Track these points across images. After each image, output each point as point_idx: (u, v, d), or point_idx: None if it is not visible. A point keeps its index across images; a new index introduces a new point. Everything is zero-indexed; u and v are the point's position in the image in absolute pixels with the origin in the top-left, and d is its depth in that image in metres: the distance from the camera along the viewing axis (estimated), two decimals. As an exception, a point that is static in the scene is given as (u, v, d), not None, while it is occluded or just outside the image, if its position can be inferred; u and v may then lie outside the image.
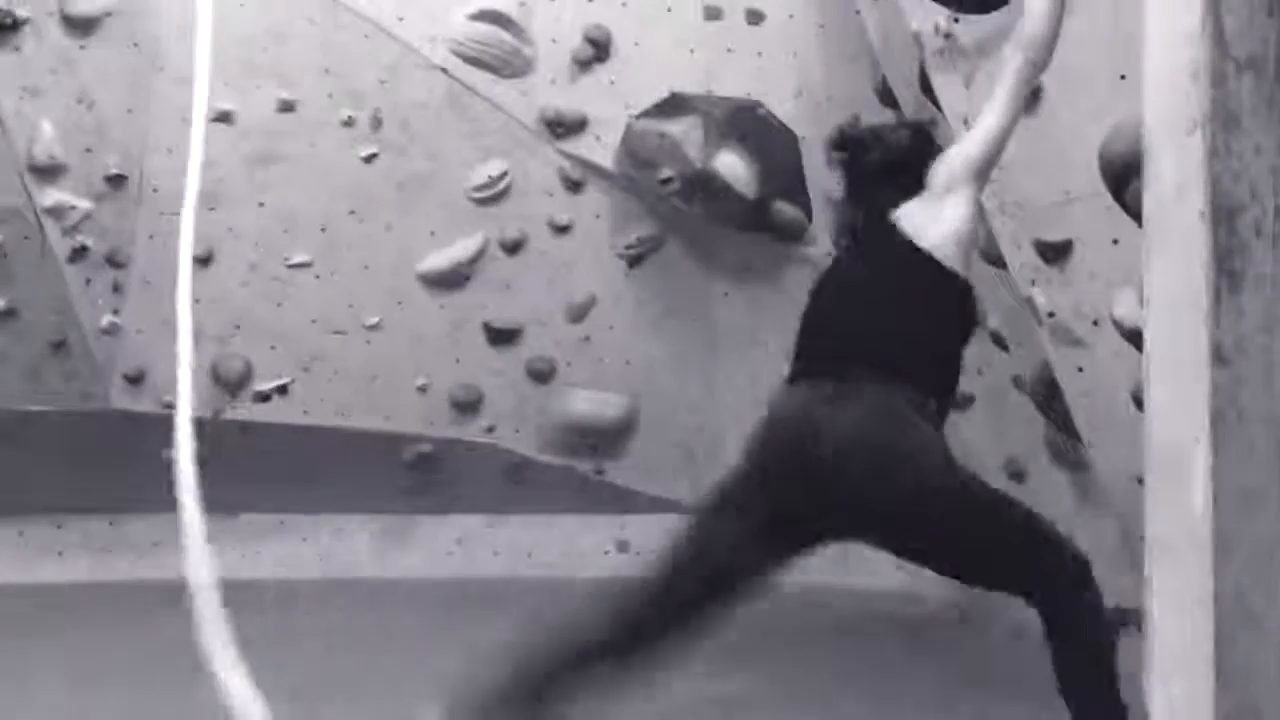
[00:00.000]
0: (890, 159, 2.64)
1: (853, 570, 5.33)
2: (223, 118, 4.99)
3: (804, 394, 2.55)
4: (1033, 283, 3.17)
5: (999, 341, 4.39)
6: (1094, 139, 3.01)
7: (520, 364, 5.46)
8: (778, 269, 5.32)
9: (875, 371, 2.48)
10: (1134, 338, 2.02)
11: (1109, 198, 2.97)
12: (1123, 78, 2.98)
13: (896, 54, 4.01)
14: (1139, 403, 2.36)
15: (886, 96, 4.56)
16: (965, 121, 3.28)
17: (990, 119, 2.51)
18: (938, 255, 2.49)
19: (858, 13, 4.52)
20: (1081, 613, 2.39)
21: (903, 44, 3.70)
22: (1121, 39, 2.92)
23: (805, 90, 5.09)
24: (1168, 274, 1.79)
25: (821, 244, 5.20)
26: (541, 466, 5.59)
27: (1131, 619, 2.31)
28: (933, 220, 2.51)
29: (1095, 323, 3.10)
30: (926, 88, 3.47)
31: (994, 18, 3.02)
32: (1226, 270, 1.71)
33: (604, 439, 5.56)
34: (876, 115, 4.94)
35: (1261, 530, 1.68)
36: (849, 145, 2.73)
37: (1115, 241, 3.05)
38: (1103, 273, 3.08)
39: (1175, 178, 1.77)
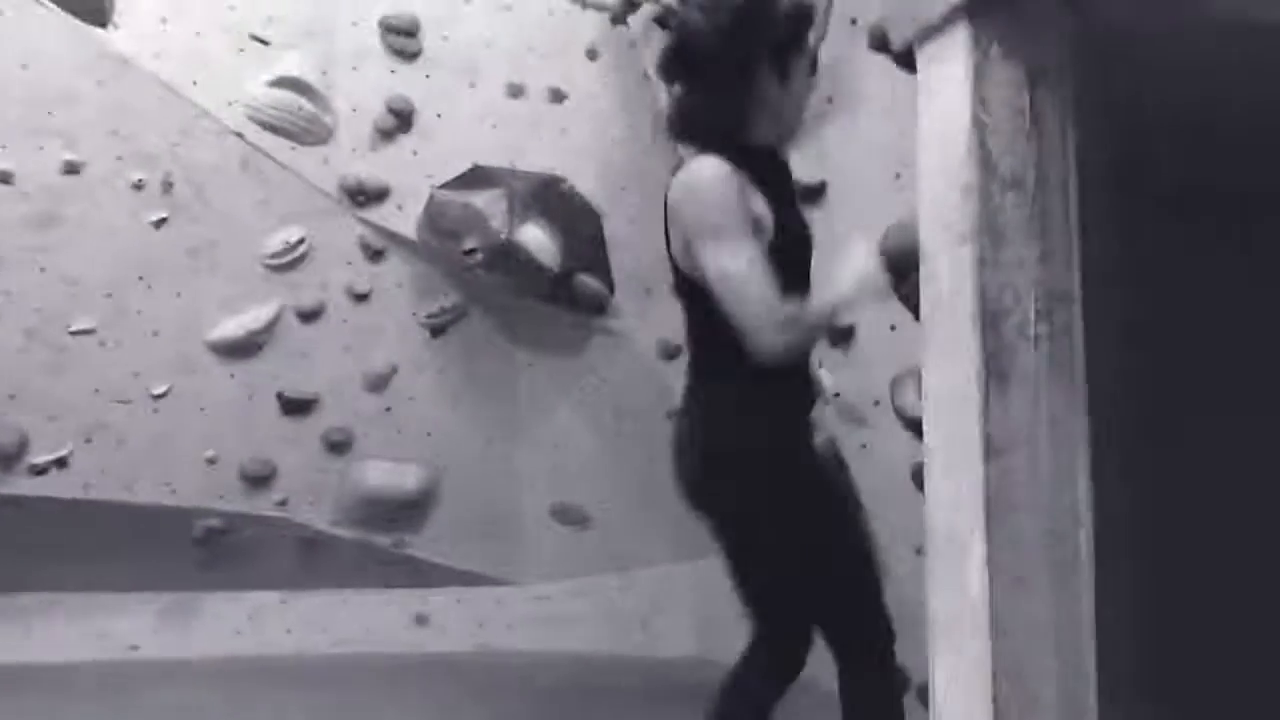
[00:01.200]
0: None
1: (649, 640, 5.43)
2: (2, 179, 4.78)
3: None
4: (820, 364, 3.34)
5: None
6: (872, 232, 3.22)
7: (316, 435, 5.35)
8: (580, 341, 5.41)
9: None
10: (915, 427, 2.16)
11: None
12: (897, 176, 3.21)
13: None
14: (919, 483, 2.51)
15: (684, 178, 4.74)
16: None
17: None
18: None
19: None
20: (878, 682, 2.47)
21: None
22: (895, 140, 3.15)
23: (607, 168, 5.23)
24: (944, 372, 1.93)
25: (623, 318, 5.33)
26: (337, 541, 5.47)
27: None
28: None
29: (876, 403, 3.29)
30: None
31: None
32: (995, 370, 1.87)
33: (403, 512, 5.49)
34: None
35: (1034, 612, 1.82)
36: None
37: (893, 328, 3.25)
38: (882, 357, 3.27)
39: (950, 283, 1.92)
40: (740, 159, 2.30)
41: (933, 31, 1.98)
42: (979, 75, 1.89)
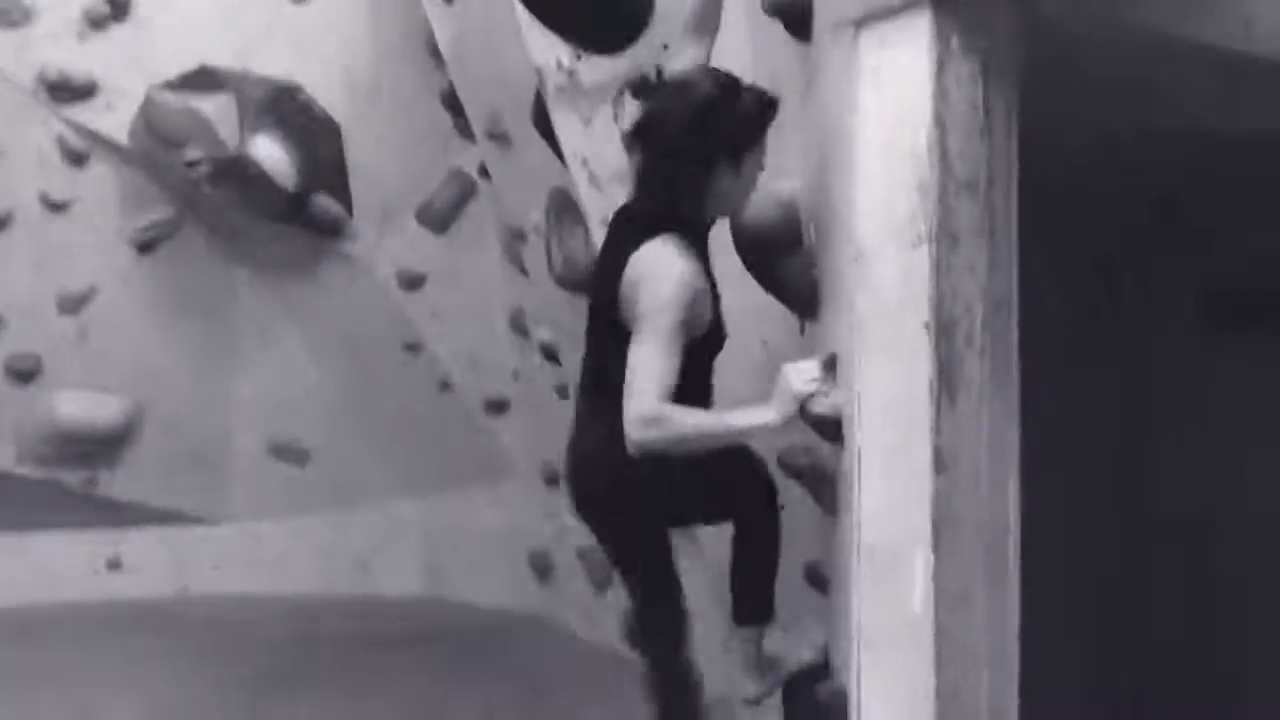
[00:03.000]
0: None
1: (372, 579, 5.19)
2: None
3: None
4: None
5: (549, 353, 4.45)
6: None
7: (-2, 362, 4.69)
8: (312, 263, 4.97)
9: None
10: (820, 425, 2.07)
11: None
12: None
13: (483, 74, 3.88)
14: (791, 473, 2.45)
15: (452, 103, 4.41)
16: (584, 163, 3.23)
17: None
18: None
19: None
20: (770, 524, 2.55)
21: (501, 68, 3.58)
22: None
23: (351, 81, 4.78)
24: (885, 382, 1.85)
25: (360, 243, 4.95)
26: (18, 480, 4.84)
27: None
28: None
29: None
30: (541, 122, 3.38)
31: (617, 61, 2.99)
32: (946, 381, 1.81)
33: (99, 447, 4.92)
34: (435, 120, 4.79)
35: (972, 628, 1.80)
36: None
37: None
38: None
39: (896, 290, 1.83)
40: (688, 232, 2.40)
41: (884, 14, 1.87)
42: (940, 67, 1.80)
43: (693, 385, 2.36)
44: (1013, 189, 1.89)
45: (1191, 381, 3.40)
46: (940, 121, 1.81)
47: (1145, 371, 3.44)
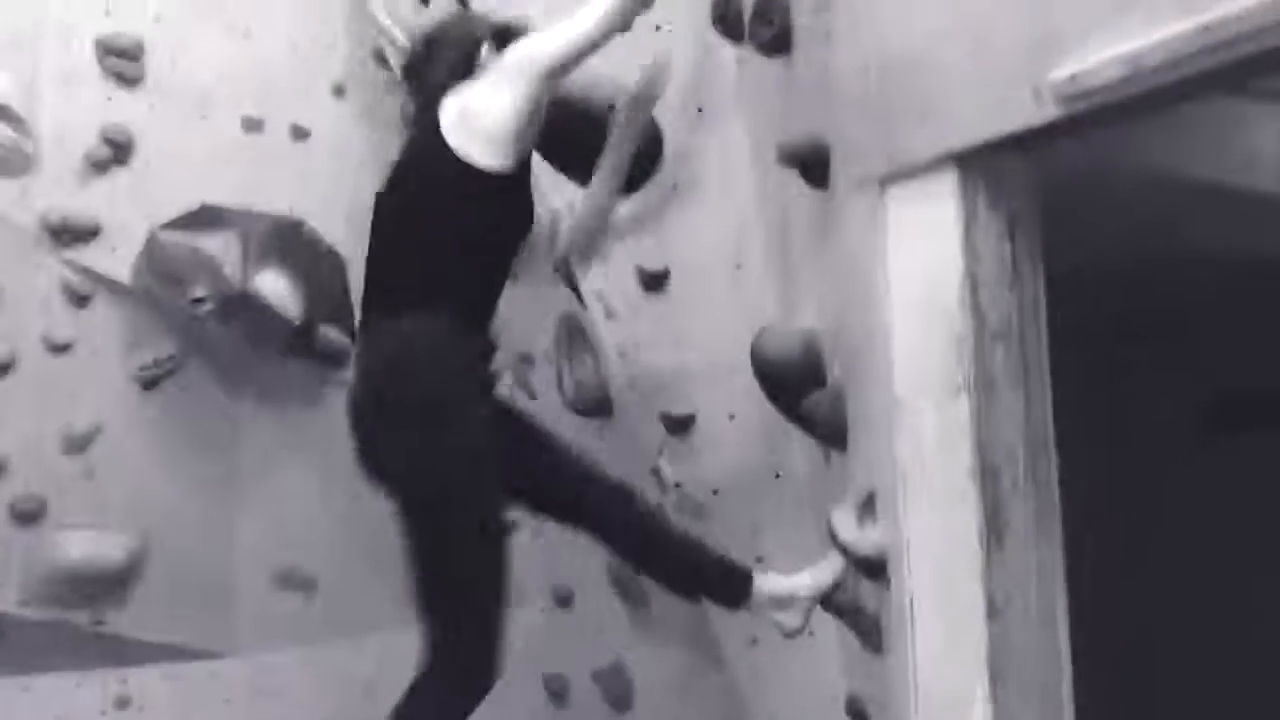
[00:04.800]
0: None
1: (376, 707, 5.11)
2: None
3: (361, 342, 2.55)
4: (660, 453, 3.25)
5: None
6: (710, 319, 3.17)
7: (2, 504, 4.65)
8: (317, 393, 5.00)
9: (406, 300, 2.48)
10: (866, 564, 2.10)
11: (723, 372, 3.13)
12: (738, 266, 3.16)
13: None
14: (827, 606, 2.47)
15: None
16: (599, 296, 3.30)
17: (586, 25, 2.42)
18: (464, 152, 2.42)
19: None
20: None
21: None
22: (736, 232, 3.11)
23: (354, 211, 4.85)
24: (933, 529, 1.89)
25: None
26: (25, 622, 4.77)
27: None
28: (481, 111, 2.45)
29: (715, 492, 3.24)
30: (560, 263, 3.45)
31: (636, 199, 3.07)
32: (994, 527, 1.85)
33: (105, 585, 4.87)
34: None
35: (1031, 773, 1.82)
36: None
37: (731, 417, 3.21)
38: (720, 445, 3.23)
39: (937, 438, 1.88)
40: None
41: (910, 172, 1.94)
42: (969, 224, 1.87)
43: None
44: (1042, 335, 1.95)
45: (1198, 489, 3.45)
46: (971, 276, 1.88)
47: (1155, 485, 3.49)
